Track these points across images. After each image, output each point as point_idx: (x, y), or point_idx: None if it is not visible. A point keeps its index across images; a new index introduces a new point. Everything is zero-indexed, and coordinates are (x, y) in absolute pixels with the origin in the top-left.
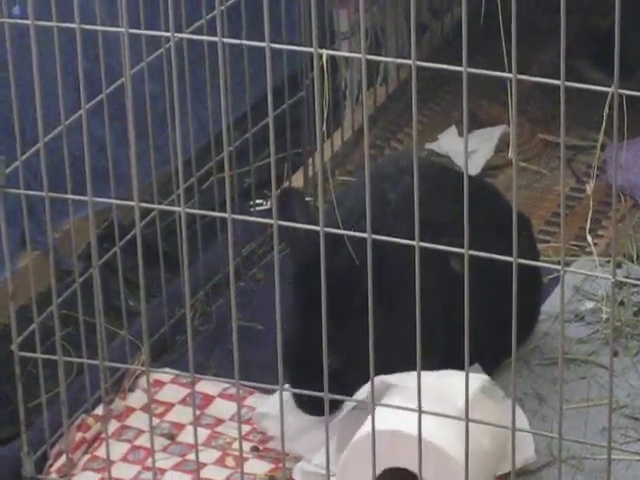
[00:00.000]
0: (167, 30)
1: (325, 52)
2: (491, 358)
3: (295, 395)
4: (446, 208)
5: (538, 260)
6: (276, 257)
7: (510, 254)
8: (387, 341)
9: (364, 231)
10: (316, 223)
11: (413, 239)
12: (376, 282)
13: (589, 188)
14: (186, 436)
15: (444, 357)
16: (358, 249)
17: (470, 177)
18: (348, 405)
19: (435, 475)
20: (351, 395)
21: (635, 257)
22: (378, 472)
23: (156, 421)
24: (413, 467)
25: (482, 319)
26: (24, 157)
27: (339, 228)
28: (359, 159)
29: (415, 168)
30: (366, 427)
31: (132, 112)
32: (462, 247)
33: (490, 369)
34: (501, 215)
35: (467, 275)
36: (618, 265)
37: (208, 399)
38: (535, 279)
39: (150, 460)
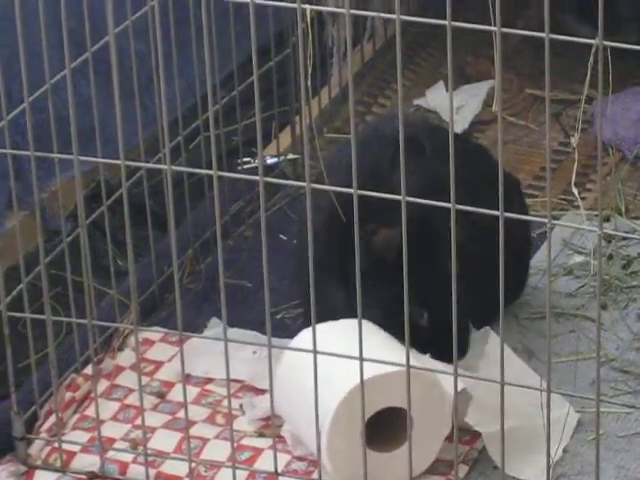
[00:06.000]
0: None
1: (309, 7)
2: (482, 316)
3: None
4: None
5: (528, 225)
6: (262, 215)
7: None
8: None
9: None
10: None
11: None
12: None
13: (574, 141)
14: (176, 394)
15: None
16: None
17: (463, 139)
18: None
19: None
20: None
21: (623, 210)
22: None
23: (146, 380)
24: (401, 403)
25: (473, 279)
26: (10, 116)
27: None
28: (347, 115)
29: (400, 125)
30: (352, 380)
31: (118, 71)
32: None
33: (481, 327)
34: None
35: (454, 231)
36: (607, 219)
37: None
38: (526, 240)
39: (140, 419)
